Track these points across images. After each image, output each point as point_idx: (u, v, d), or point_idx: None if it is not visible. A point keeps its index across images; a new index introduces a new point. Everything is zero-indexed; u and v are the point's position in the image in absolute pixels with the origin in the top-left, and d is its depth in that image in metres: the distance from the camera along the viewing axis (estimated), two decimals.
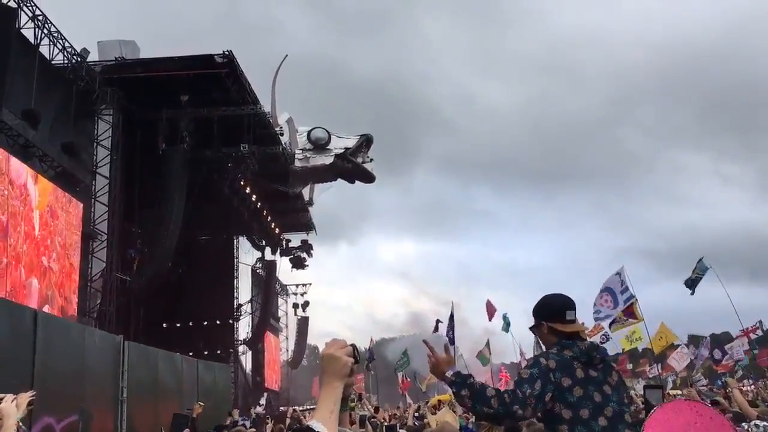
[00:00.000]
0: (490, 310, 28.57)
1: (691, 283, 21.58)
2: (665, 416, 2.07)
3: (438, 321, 26.31)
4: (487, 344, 30.58)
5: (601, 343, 18.88)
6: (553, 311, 3.54)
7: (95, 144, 18.80)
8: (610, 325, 20.57)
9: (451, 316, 24.42)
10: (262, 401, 29.20)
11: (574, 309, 3.53)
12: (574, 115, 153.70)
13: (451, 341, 24.74)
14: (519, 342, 27.53)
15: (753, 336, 24.03)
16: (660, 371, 26.26)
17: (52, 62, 17.21)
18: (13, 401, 3.52)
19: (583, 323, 3.67)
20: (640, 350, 26.40)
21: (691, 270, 21.77)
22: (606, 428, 3.11)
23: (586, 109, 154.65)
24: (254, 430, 12.09)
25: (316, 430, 1.85)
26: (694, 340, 24.46)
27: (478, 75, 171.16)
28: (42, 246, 15.50)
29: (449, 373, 3.25)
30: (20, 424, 3.61)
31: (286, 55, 23.60)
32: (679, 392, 20.32)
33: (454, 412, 8.38)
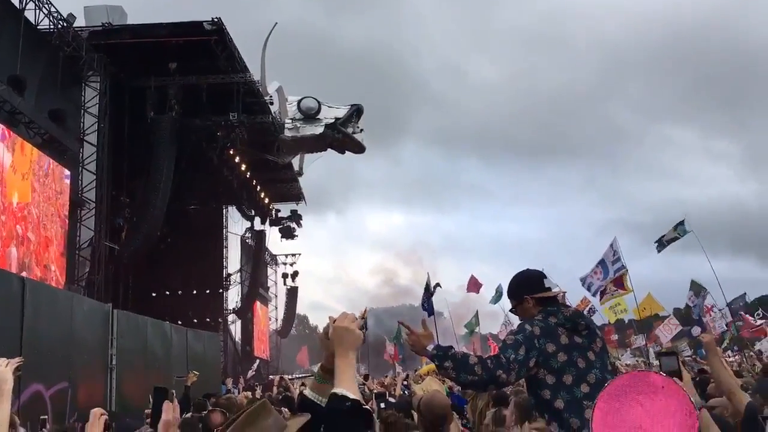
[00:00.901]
0: (475, 285, 28.70)
1: (666, 242, 21.50)
2: (620, 389, 2.04)
3: (437, 284, 26.48)
4: (476, 315, 30.81)
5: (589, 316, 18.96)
6: (533, 283, 3.60)
7: (82, 111, 18.59)
8: (601, 296, 20.71)
9: (427, 287, 24.52)
10: (254, 367, 29.47)
11: (546, 277, 3.63)
12: (564, 89, 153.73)
13: (429, 312, 24.95)
14: (506, 313, 27.70)
15: (712, 313, 24.18)
16: (645, 342, 26.59)
17: (38, 27, 16.92)
18: (7, 365, 3.53)
19: (564, 292, 3.73)
20: (626, 321, 26.68)
21: (669, 229, 21.67)
22: (588, 395, 3.14)
23: (576, 83, 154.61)
24: (249, 394, 12.18)
25: (351, 397, 1.96)
26: (695, 287, 24.16)
27: (468, 48, 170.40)
28: (19, 214, 15.29)
29: (430, 347, 3.28)
30: None
31: (276, 23, 23.28)
32: None
33: (441, 380, 8.45)
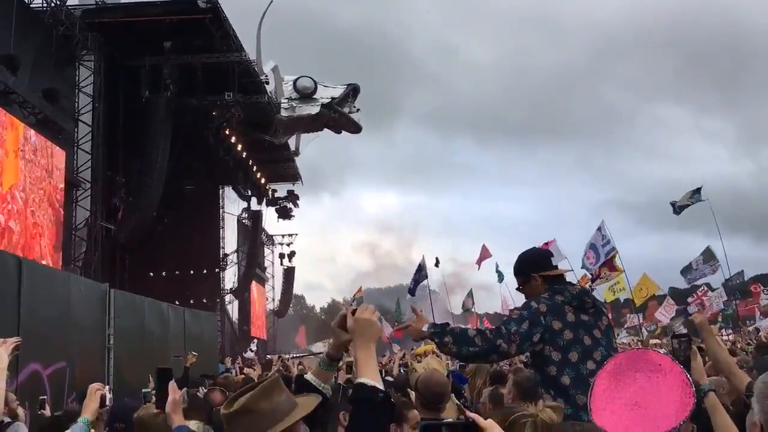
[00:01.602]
0: (484, 256, 28.49)
1: (679, 208, 21.28)
2: (617, 368, 2.07)
3: (437, 259, 26.63)
4: (470, 294, 30.82)
5: None
6: (541, 261, 3.63)
7: (77, 90, 18.47)
8: (593, 281, 20.81)
9: (419, 268, 24.48)
10: (253, 347, 29.60)
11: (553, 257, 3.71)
12: (556, 69, 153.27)
13: (411, 293, 25.02)
14: (504, 293, 27.71)
15: (704, 298, 24.18)
16: (641, 321, 26.73)
17: (31, 6, 16.76)
18: (3, 345, 3.54)
19: (571, 269, 3.76)
20: (622, 300, 26.75)
21: (683, 196, 21.35)
22: (594, 372, 3.14)
23: (567, 63, 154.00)
24: (243, 376, 12.19)
25: (380, 387, 2.00)
26: (708, 255, 23.77)
27: (460, 28, 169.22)
28: (3, 204, 14.63)
29: (425, 328, 3.30)
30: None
31: (271, 1, 23.08)
32: (658, 341, 20.72)
33: (439, 357, 8.49)
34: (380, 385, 2.00)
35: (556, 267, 3.57)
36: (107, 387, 3.23)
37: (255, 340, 32.90)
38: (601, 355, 3.21)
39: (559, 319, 3.26)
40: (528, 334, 3.20)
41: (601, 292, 21.65)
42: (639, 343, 19.86)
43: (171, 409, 2.74)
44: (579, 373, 3.17)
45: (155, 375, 3.14)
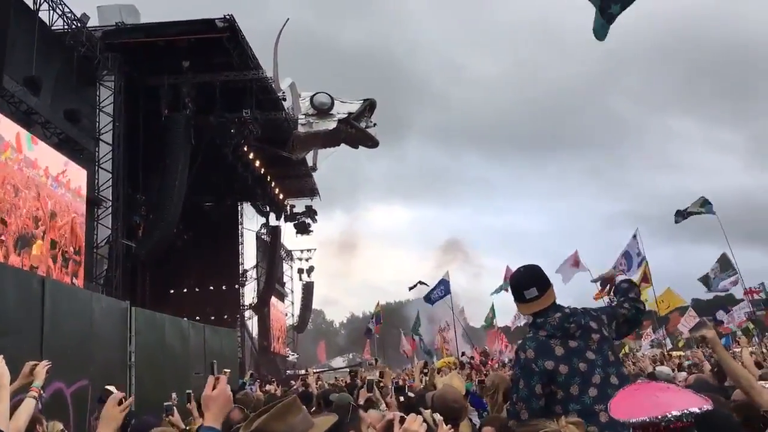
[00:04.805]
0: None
1: (687, 214, 21.07)
2: (627, 394, 2.23)
3: (419, 282, 26.71)
4: (492, 308, 30.75)
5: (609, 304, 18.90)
6: (514, 295, 3.49)
7: (97, 110, 18.72)
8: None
9: (441, 282, 24.43)
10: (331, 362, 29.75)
11: (535, 284, 3.40)
12: (563, 83, 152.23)
13: (430, 301, 25.14)
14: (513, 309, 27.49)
15: (756, 297, 23.96)
16: (663, 333, 26.40)
17: (52, 28, 17.05)
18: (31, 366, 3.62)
19: (536, 297, 3.43)
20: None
21: (693, 203, 21.09)
22: (597, 398, 3.12)
23: (575, 77, 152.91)
24: (261, 394, 12.16)
25: None
26: (724, 262, 23.41)
27: (464, 45, 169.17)
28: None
29: None
30: (41, 391, 3.70)
31: (288, 19, 23.27)
32: (681, 353, 20.42)
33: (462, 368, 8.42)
34: None
35: (534, 298, 3.39)
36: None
37: (327, 363, 33.23)
38: (599, 377, 3.17)
39: (549, 358, 3.20)
40: (528, 394, 3.17)
41: None
42: (662, 355, 19.60)
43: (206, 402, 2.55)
44: (584, 405, 3.11)
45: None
